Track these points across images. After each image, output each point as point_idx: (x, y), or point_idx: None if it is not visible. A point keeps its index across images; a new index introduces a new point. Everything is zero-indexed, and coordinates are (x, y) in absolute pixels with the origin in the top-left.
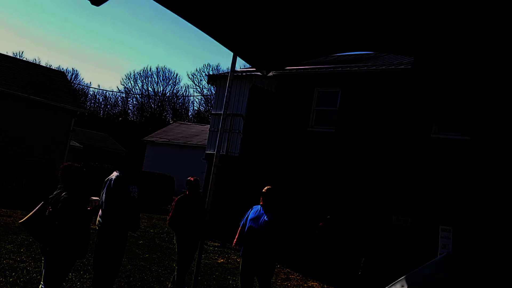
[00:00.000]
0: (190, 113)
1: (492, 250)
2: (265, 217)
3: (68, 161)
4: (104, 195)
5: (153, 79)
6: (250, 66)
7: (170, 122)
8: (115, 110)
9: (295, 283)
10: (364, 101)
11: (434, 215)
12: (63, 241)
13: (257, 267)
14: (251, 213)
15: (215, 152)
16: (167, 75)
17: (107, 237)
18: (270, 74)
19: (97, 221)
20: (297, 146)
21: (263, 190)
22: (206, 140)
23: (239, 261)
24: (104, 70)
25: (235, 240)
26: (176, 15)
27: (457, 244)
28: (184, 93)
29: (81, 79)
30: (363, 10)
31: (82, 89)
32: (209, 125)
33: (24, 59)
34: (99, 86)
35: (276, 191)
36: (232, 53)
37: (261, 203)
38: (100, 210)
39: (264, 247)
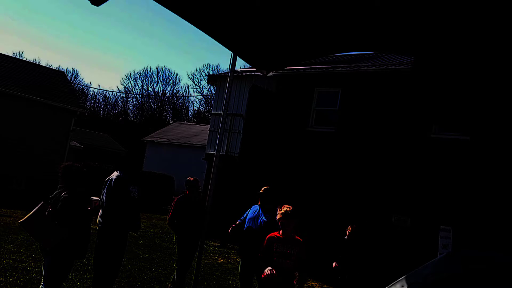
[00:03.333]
0: (190, 113)
1: (492, 250)
2: (263, 217)
3: (68, 161)
4: (104, 195)
5: (153, 79)
6: (250, 66)
7: (170, 122)
8: (115, 110)
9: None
10: (364, 101)
11: (434, 215)
12: (63, 241)
13: (256, 266)
14: (250, 213)
15: (215, 152)
16: (167, 75)
17: (107, 237)
18: (270, 74)
19: (97, 221)
20: (297, 146)
21: (260, 191)
22: (206, 140)
23: (239, 260)
24: (104, 70)
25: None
26: (176, 15)
27: (457, 244)
28: (184, 93)
29: (81, 79)
30: (363, 10)
31: (82, 89)
32: (209, 125)
33: (24, 59)
34: (99, 86)
35: (273, 192)
36: (232, 53)
37: (259, 203)
38: (100, 210)
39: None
